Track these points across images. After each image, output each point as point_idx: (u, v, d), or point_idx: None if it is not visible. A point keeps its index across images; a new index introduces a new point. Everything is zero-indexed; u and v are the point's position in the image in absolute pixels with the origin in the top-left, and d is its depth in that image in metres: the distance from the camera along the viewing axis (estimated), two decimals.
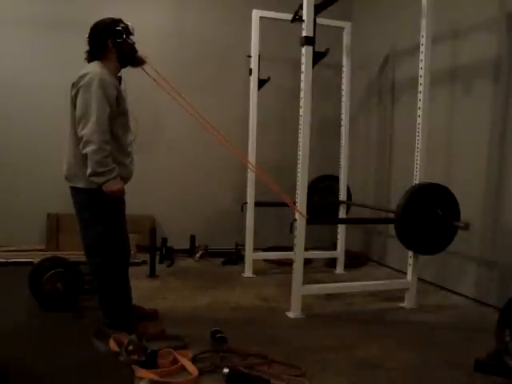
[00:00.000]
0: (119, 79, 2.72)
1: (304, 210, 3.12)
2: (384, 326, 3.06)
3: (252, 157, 4.12)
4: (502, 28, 3.39)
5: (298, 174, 3.15)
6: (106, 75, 2.54)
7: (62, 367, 2.29)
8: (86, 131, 2.46)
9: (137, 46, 2.75)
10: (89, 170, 2.48)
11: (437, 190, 3.20)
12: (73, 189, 2.64)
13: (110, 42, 2.63)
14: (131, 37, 2.71)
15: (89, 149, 2.45)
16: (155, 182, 4.78)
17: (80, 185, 2.58)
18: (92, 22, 2.70)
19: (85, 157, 2.49)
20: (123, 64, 2.72)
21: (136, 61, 2.75)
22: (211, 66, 5.02)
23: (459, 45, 3.78)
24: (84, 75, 2.51)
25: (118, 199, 2.66)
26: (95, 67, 2.56)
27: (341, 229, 4.49)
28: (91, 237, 2.65)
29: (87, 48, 2.68)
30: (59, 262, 3.19)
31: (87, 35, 2.66)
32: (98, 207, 2.61)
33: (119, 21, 2.69)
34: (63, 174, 2.65)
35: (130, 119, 2.77)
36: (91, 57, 2.66)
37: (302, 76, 3.09)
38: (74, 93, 2.55)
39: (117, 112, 2.59)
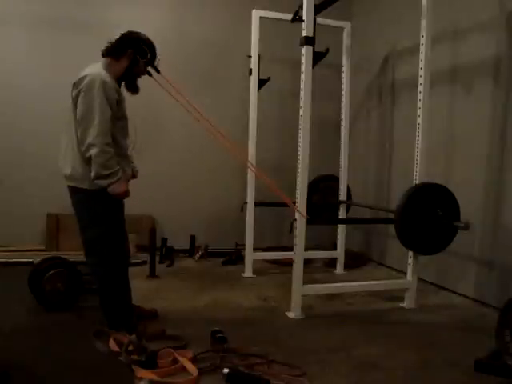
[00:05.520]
0: (119, 83, 2.71)
1: (304, 210, 3.12)
2: (384, 326, 3.06)
3: (252, 157, 4.12)
4: (502, 28, 3.39)
5: (298, 174, 3.15)
6: (108, 78, 2.54)
7: (62, 367, 2.30)
8: (88, 134, 2.45)
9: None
10: (93, 173, 2.47)
11: (437, 189, 3.20)
12: (72, 188, 2.63)
13: (130, 53, 2.65)
14: (149, 68, 2.76)
15: (92, 152, 2.44)
16: (155, 182, 4.78)
17: (83, 186, 2.57)
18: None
19: (88, 158, 2.49)
20: (123, 78, 2.72)
21: (132, 86, 2.76)
22: (211, 66, 5.02)
23: (459, 45, 3.78)
24: (85, 76, 2.50)
25: (117, 199, 2.66)
26: (97, 69, 2.56)
27: (341, 229, 4.49)
28: (90, 237, 2.65)
29: (112, 41, 2.70)
30: (59, 261, 3.19)
31: (120, 33, 2.70)
32: (97, 207, 2.61)
33: (153, 46, 2.73)
34: (63, 173, 2.63)
35: (129, 124, 2.77)
36: (107, 51, 2.67)
37: (302, 76, 3.10)
38: (75, 93, 2.54)
39: (117, 115, 2.59)
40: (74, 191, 2.64)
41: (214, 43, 5.01)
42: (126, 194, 2.61)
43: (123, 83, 2.75)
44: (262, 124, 4.40)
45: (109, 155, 2.47)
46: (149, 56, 2.70)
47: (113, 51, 2.66)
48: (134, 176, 2.91)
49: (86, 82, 2.48)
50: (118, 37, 2.69)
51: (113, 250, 2.67)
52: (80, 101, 2.49)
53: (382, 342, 2.78)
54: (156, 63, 2.76)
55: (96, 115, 2.45)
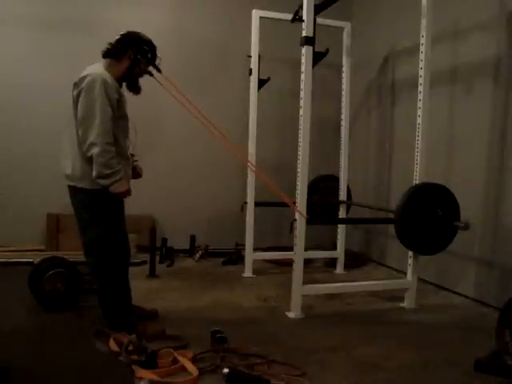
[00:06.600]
0: (120, 83, 2.71)
1: (304, 210, 3.12)
2: (384, 326, 3.06)
3: (252, 157, 4.12)
4: (502, 28, 3.39)
5: (298, 174, 3.15)
6: (108, 77, 2.54)
7: (62, 367, 2.29)
8: (89, 133, 2.45)
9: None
10: (94, 173, 2.47)
11: (437, 189, 3.20)
12: (72, 188, 2.63)
13: (131, 53, 2.65)
14: (150, 68, 2.76)
15: (94, 151, 2.44)
16: (155, 182, 4.77)
17: (83, 185, 2.57)
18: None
19: (89, 158, 2.49)
20: (125, 78, 2.72)
21: (133, 86, 2.76)
22: (211, 66, 5.02)
23: (459, 45, 3.78)
24: (85, 76, 2.50)
25: (118, 199, 2.66)
26: (98, 69, 2.57)
27: (341, 229, 4.49)
28: (91, 237, 2.65)
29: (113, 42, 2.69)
30: (59, 261, 3.19)
31: (120, 34, 2.69)
32: (98, 207, 2.61)
33: (153, 47, 2.74)
34: (64, 172, 2.63)
35: (130, 125, 2.77)
36: (107, 53, 2.67)
37: (302, 76, 3.10)
38: (75, 93, 2.54)
39: (118, 115, 2.59)
40: (74, 191, 2.64)
41: (214, 43, 5.01)
42: (128, 193, 2.62)
43: (124, 83, 2.75)
44: (262, 124, 4.40)
45: (110, 154, 2.48)
46: (150, 56, 2.71)
47: (113, 52, 2.65)
48: (139, 175, 2.93)
49: (86, 81, 2.48)
50: (118, 37, 2.69)
51: (113, 249, 2.67)
52: (81, 100, 2.49)
53: (382, 342, 2.78)
54: (157, 62, 2.77)
55: (97, 115, 2.45)
